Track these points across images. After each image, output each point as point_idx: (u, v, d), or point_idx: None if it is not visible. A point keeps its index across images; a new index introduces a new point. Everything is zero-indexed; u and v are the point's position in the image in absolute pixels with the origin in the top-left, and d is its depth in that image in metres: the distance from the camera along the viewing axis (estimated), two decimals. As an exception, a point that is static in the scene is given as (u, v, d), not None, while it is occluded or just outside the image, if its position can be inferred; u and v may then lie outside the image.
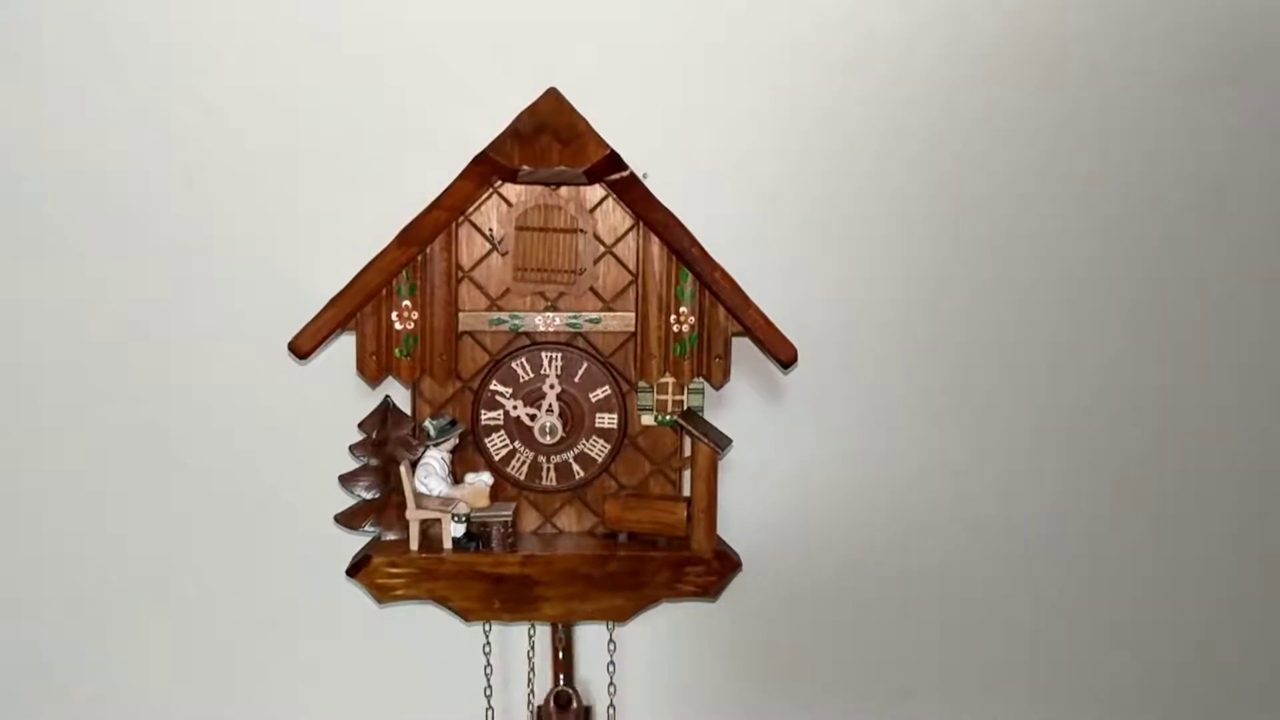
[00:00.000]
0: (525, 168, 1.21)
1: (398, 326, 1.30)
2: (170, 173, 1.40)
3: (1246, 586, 1.52)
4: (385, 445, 1.30)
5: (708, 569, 1.31)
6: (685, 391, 1.35)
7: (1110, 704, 1.53)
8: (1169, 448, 1.50)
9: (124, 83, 1.39)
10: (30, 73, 1.38)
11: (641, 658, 1.47)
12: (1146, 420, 1.49)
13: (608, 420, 1.35)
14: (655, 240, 1.30)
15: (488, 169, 1.25)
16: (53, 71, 1.39)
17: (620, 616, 1.32)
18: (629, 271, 1.33)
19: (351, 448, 1.31)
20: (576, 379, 1.34)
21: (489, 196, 1.31)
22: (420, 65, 1.40)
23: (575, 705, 1.40)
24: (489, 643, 1.39)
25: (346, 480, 1.31)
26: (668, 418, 1.35)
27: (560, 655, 1.40)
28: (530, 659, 1.41)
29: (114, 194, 1.40)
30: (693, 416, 1.33)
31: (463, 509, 1.29)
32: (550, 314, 1.32)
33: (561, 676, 1.40)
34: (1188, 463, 1.50)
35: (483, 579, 1.29)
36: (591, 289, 1.34)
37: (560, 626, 1.39)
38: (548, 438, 1.33)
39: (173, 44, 1.39)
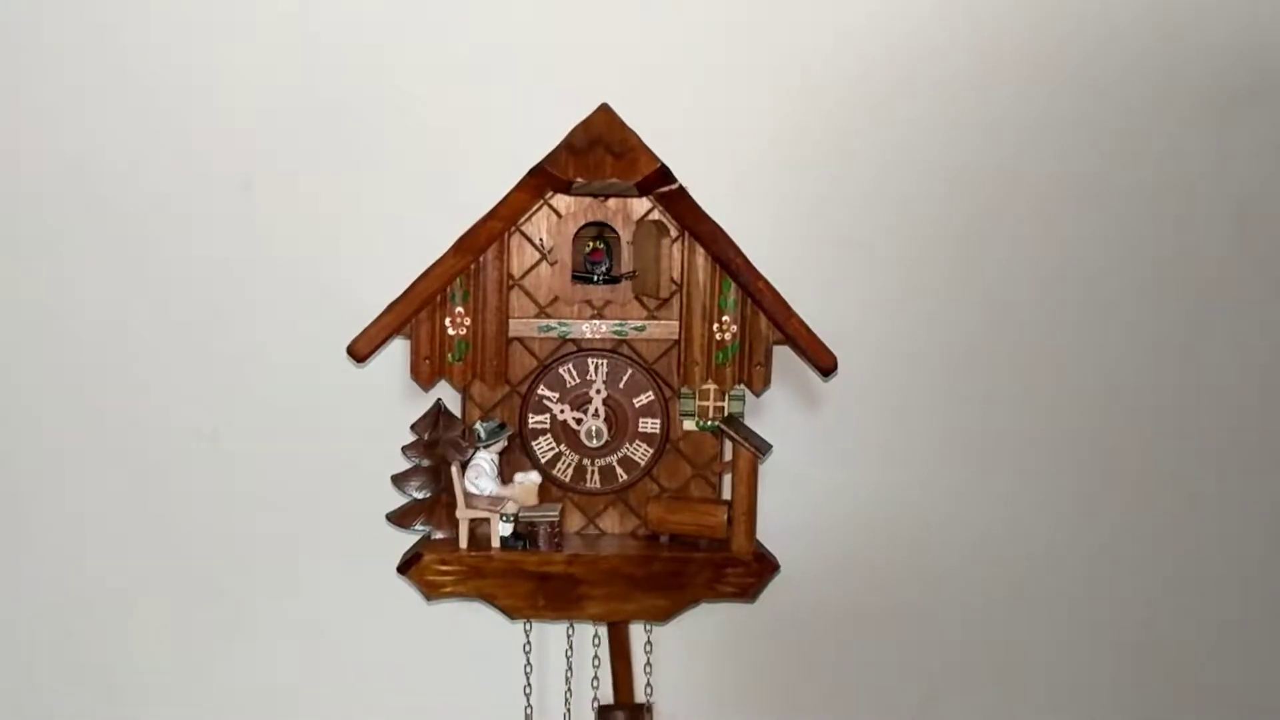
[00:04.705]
0: (579, 180, 1.24)
1: (450, 332, 1.32)
2: (229, 179, 1.43)
3: (1267, 594, 1.54)
4: (437, 446, 1.33)
5: (747, 570, 1.33)
6: (726, 398, 1.37)
7: (1136, 713, 1.54)
8: (1209, 459, 1.51)
9: (185, 90, 1.41)
10: (91, 79, 1.41)
11: (678, 658, 1.49)
12: (1180, 432, 1.51)
13: (651, 425, 1.37)
14: (700, 251, 1.32)
15: (542, 181, 1.27)
16: (113, 76, 1.41)
17: (661, 616, 1.34)
18: (673, 281, 1.35)
19: (404, 449, 1.33)
20: (621, 385, 1.36)
21: (539, 208, 1.34)
22: (468, 84, 1.43)
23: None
24: (529, 642, 1.42)
25: (399, 480, 1.34)
26: (709, 423, 1.37)
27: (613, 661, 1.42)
28: (569, 658, 1.44)
29: (175, 199, 1.42)
30: (734, 422, 1.35)
31: (511, 508, 1.32)
32: (597, 321, 1.35)
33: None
34: (1224, 471, 1.51)
35: (529, 577, 1.31)
36: (637, 298, 1.36)
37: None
38: (593, 441, 1.35)
39: (234, 54, 1.42)
